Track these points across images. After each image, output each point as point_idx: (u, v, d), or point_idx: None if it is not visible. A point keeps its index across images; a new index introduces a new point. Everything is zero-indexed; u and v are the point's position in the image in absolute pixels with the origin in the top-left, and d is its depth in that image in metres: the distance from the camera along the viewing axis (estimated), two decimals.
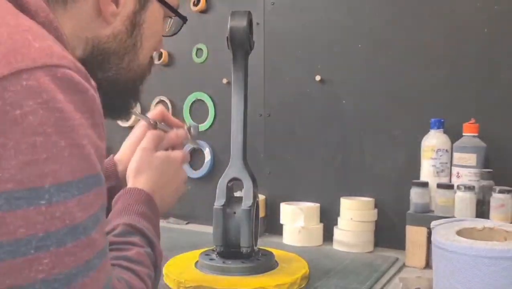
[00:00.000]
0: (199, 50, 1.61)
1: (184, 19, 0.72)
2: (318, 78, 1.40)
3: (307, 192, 1.44)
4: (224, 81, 1.55)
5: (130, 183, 0.71)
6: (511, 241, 0.85)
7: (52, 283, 0.33)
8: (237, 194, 1.06)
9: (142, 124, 0.84)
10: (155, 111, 0.85)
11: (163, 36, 0.69)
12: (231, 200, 1.02)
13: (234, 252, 1.00)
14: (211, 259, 1.02)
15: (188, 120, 1.64)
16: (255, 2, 1.50)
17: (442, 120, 1.21)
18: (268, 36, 1.49)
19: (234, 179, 1.03)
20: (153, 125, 0.81)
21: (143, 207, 0.65)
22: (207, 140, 1.61)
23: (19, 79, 0.33)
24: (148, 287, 0.55)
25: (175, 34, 0.73)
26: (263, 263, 1.01)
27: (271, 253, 1.07)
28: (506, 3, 1.18)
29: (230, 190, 1.03)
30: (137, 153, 0.74)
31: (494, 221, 1.04)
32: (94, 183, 0.38)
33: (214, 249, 1.02)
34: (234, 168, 1.03)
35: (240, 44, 1.03)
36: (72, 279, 0.34)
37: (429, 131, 1.22)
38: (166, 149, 0.79)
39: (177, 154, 0.78)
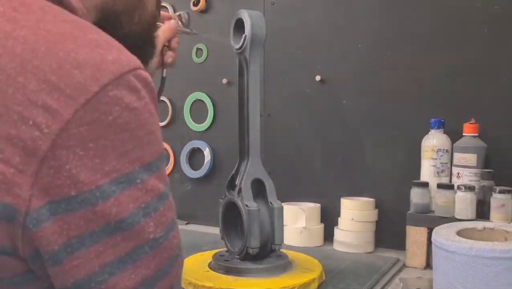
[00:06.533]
0: (199, 50, 1.61)
1: None
2: (318, 78, 1.40)
3: (307, 192, 1.43)
4: (224, 81, 1.55)
5: None
6: (511, 241, 0.85)
7: (158, 239, 0.45)
8: None
9: None
10: None
11: None
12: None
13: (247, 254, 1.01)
14: (226, 260, 1.03)
15: (188, 120, 1.64)
16: (255, 2, 1.50)
17: (442, 120, 1.21)
18: (268, 36, 1.49)
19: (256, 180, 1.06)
20: None
21: None
22: (206, 140, 1.61)
23: (106, 92, 0.43)
24: None
25: None
26: (282, 264, 1.03)
27: (285, 254, 1.08)
28: (506, 3, 1.18)
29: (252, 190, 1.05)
30: None
31: (495, 221, 1.04)
32: (164, 158, 0.48)
33: (250, 251, 1.00)
34: (255, 168, 1.07)
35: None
36: (168, 234, 0.47)
37: (429, 131, 1.22)
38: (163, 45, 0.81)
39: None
